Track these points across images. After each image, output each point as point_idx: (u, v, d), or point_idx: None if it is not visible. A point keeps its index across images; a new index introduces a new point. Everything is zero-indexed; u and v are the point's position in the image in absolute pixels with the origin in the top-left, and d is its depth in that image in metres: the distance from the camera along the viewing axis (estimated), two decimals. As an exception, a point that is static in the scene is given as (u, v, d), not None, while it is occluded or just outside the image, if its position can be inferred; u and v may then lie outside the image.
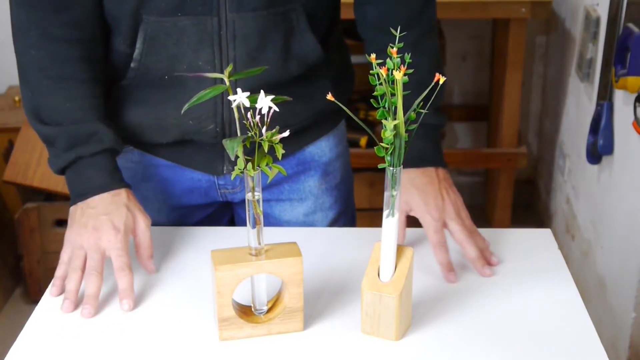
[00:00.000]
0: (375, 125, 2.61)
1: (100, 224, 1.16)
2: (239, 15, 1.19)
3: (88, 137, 1.20)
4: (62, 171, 1.23)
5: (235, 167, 1.00)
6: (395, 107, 0.97)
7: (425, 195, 1.25)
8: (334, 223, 1.44)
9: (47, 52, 1.20)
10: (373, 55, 0.97)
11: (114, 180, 1.21)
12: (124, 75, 1.25)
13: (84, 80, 1.22)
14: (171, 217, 1.38)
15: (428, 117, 1.22)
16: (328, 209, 1.42)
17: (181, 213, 1.39)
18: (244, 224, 1.42)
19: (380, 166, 1.01)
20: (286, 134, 1.01)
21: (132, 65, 1.23)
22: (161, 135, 1.29)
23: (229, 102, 1.24)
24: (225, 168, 1.32)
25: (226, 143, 0.97)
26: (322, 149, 1.39)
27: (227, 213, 1.47)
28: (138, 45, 1.21)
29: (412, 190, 1.26)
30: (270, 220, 1.41)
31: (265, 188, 1.37)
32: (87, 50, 1.22)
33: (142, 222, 1.20)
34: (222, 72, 1.21)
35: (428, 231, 1.24)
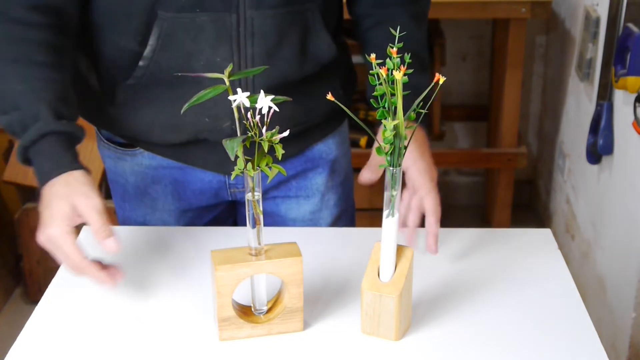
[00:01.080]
0: (375, 125, 2.61)
1: (42, 225, 1.10)
2: (258, 13, 1.19)
3: (31, 121, 1.12)
4: (25, 162, 1.16)
5: (235, 167, 1.00)
6: (395, 107, 0.98)
7: (423, 153, 1.26)
8: (337, 220, 1.45)
9: (4, 33, 1.14)
10: (373, 55, 0.97)
11: (55, 166, 1.12)
12: (129, 74, 1.23)
13: (41, 63, 1.15)
14: (181, 220, 1.38)
15: (414, 77, 1.18)
16: (333, 207, 1.44)
17: (190, 216, 1.39)
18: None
19: (380, 166, 1.01)
20: (286, 133, 1.01)
21: (140, 63, 1.21)
22: (174, 135, 1.28)
23: None
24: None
25: (226, 143, 0.97)
26: (330, 146, 1.40)
27: (232, 215, 1.47)
28: (151, 42, 1.20)
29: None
30: (276, 219, 1.41)
31: (273, 186, 1.38)
32: (49, 35, 1.16)
33: (84, 205, 1.09)
34: (240, 69, 1.21)
35: (427, 195, 1.23)
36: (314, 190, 1.41)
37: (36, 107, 1.13)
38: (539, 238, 1.32)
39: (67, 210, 1.09)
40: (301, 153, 1.37)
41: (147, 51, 1.20)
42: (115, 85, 1.26)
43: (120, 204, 1.41)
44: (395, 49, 0.97)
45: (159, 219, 1.38)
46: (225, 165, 1.32)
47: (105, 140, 1.37)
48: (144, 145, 1.32)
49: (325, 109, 1.34)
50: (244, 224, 1.45)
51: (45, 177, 1.12)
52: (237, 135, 1.27)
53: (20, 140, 1.14)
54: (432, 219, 1.23)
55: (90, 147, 2.50)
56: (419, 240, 1.29)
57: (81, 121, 1.26)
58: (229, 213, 1.45)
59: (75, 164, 1.13)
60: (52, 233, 1.08)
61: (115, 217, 1.44)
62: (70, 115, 1.16)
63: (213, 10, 1.18)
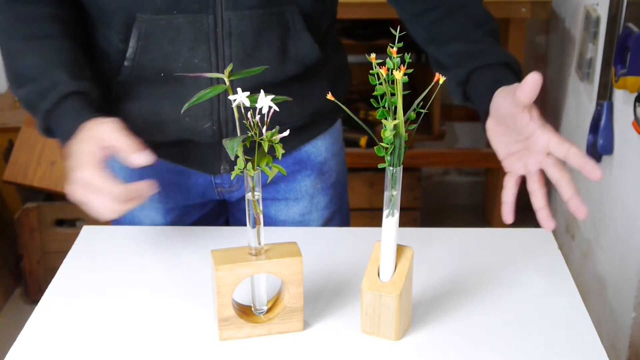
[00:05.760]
0: (375, 125, 2.61)
1: (72, 173, 1.13)
2: (235, 14, 1.19)
3: (50, 88, 1.18)
4: (46, 132, 1.21)
5: (235, 167, 1.00)
6: (395, 107, 0.97)
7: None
8: (328, 222, 1.44)
9: (11, 14, 1.21)
10: (373, 55, 0.97)
11: (78, 121, 1.17)
12: (118, 72, 1.24)
13: (50, 36, 1.22)
14: (168, 218, 1.38)
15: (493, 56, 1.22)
16: (323, 209, 1.43)
17: (178, 214, 1.39)
18: (238, 225, 1.41)
19: (380, 166, 1.01)
20: (286, 133, 1.01)
21: (125, 63, 1.22)
22: (160, 134, 1.28)
23: (225, 101, 1.24)
24: (222, 168, 1.33)
25: (226, 143, 0.97)
26: (319, 148, 1.39)
27: (223, 214, 1.46)
28: (132, 44, 1.20)
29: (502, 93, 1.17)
30: (266, 220, 1.41)
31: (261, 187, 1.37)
32: (52, 8, 1.22)
33: (104, 132, 1.13)
34: (218, 71, 1.21)
35: (542, 128, 1.15)
36: (302, 192, 1.40)
37: (52, 74, 1.19)
38: (539, 238, 1.32)
39: (92, 148, 1.12)
40: (288, 155, 1.36)
41: (129, 52, 1.21)
42: (107, 82, 1.27)
43: None
44: (395, 49, 0.97)
45: (146, 215, 1.38)
46: (210, 165, 1.32)
47: None
48: None
49: (312, 111, 1.33)
50: (235, 224, 1.45)
51: (69, 133, 1.16)
52: (218, 137, 1.27)
53: (40, 107, 1.18)
54: (570, 147, 1.13)
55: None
56: (420, 240, 1.29)
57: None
58: (218, 212, 1.45)
59: (96, 114, 1.17)
60: (83, 175, 1.10)
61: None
62: (85, 77, 1.22)
63: (189, 11, 1.18)
